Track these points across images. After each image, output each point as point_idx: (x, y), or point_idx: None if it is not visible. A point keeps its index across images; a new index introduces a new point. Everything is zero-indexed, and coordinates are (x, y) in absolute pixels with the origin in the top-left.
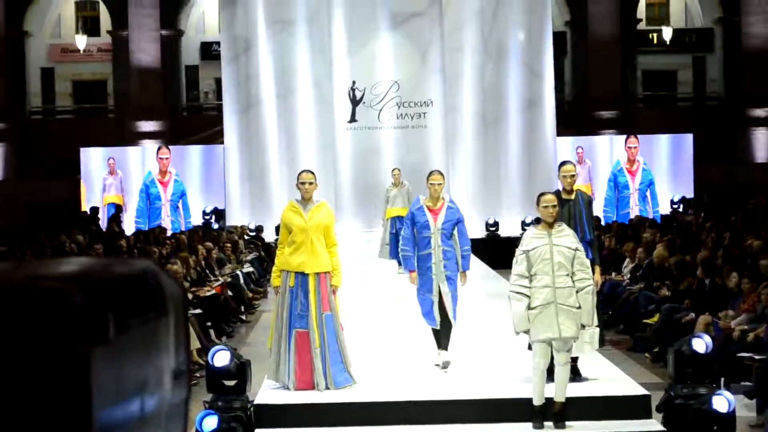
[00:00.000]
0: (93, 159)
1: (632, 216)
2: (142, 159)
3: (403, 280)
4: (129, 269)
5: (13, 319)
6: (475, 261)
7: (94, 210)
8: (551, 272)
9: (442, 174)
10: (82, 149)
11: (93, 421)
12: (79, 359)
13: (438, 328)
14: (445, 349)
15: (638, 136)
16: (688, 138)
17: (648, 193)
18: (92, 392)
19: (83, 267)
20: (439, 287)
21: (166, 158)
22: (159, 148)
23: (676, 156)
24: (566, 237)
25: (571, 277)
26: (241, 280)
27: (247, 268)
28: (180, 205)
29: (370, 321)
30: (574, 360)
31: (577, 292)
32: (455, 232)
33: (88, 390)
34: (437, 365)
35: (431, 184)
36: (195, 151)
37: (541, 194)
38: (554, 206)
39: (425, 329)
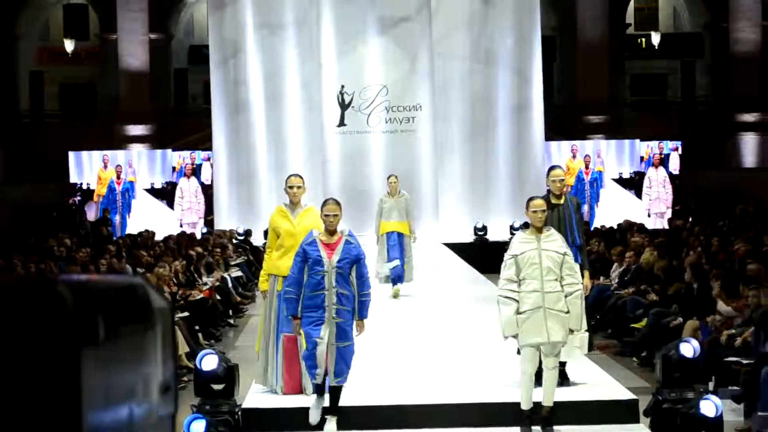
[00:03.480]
0: (85, 160)
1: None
2: (138, 161)
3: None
4: (118, 280)
5: (5, 318)
6: (463, 265)
7: (81, 212)
8: (540, 277)
9: (338, 203)
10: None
11: (83, 420)
12: (69, 359)
13: (319, 382)
14: (332, 413)
15: (624, 141)
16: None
17: (596, 182)
18: (82, 392)
19: (75, 274)
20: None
21: (118, 166)
22: (117, 166)
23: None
24: (555, 242)
25: (560, 282)
26: (230, 284)
27: (236, 273)
28: (127, 193)
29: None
30: (562, 364)
31: (565, 296)
32: (353, 273)
33: (78, 390)
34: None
35: (325, 215)
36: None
37: (531, 199)
38: (543, 211)
39: (414, 333)
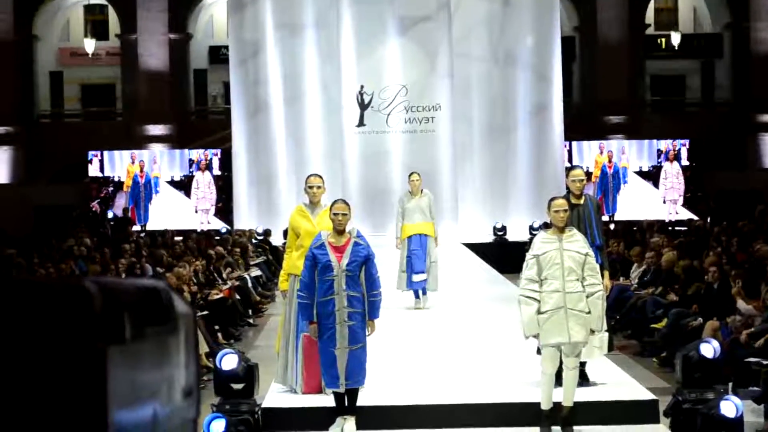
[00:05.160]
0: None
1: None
2: (161, 159)
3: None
4: (143, 283)
5: (32, 315)
6: (482, 265)
7: (103, 214)
8: (561, 277)
9: (347, 203)
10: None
11: (108, 418)
12: (96, 356)
13: (342, 391)
14: (350, 413)
15: (643, 140)
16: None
17: (617, 174)
18: (108, 390)
19: (102, 273)
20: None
21: (141, 161)
22: (140, 161)
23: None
24: (577, 242)
25: (581, 282)
26: (249, 284)
27: (255, 272)
28: (150, 185)
29: (379, 325)
30: (582, 364)
31: (587, 297)
32: (362, 273)
33: (104, 387)
34: None
35: (334, 214)
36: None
37: (552, 199)
38: (565, 211)
39: (433, 333)
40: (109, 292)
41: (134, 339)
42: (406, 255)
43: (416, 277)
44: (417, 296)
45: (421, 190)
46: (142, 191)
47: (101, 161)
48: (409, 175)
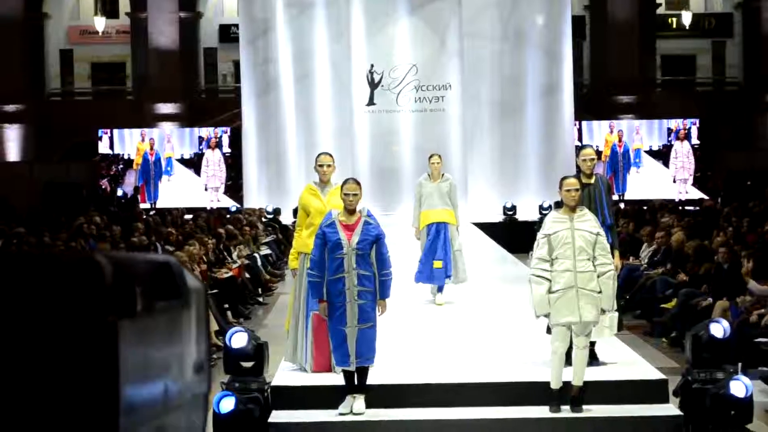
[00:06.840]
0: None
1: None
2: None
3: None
4: (154, 258)
5: (44, 287)
6: (492, 245)
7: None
8: (572, 256)
9: (358, 183)
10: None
11: (120, 391)
12: (107, 330)
13: (352, 369)
14: (360, 391)
15: (654, 120)
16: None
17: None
18: (119, 363)
19: (112, 250)
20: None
21: (151, 139)
22: (150, 139)
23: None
24: (588, 221)
25: (592, 262)
26: (259, 263)
27: (265, 251)
28: (161, 162)
29: (389, 304)
30: (592, 344)
31: (598, 276)
32: (373, 252)
33: (115, 360)
34: (343, 414)
35: (345, 194)
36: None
37: (564, 178)
38: (576, 190)
39: (443, 312)
40: (120, 265)
41: (145, 313)
42: (426, 246)
43: (437, 264)
44: (440, 290)
45: (442, 174)
46: (152, 169)
47: (111, 139)
48: (429, 157)
